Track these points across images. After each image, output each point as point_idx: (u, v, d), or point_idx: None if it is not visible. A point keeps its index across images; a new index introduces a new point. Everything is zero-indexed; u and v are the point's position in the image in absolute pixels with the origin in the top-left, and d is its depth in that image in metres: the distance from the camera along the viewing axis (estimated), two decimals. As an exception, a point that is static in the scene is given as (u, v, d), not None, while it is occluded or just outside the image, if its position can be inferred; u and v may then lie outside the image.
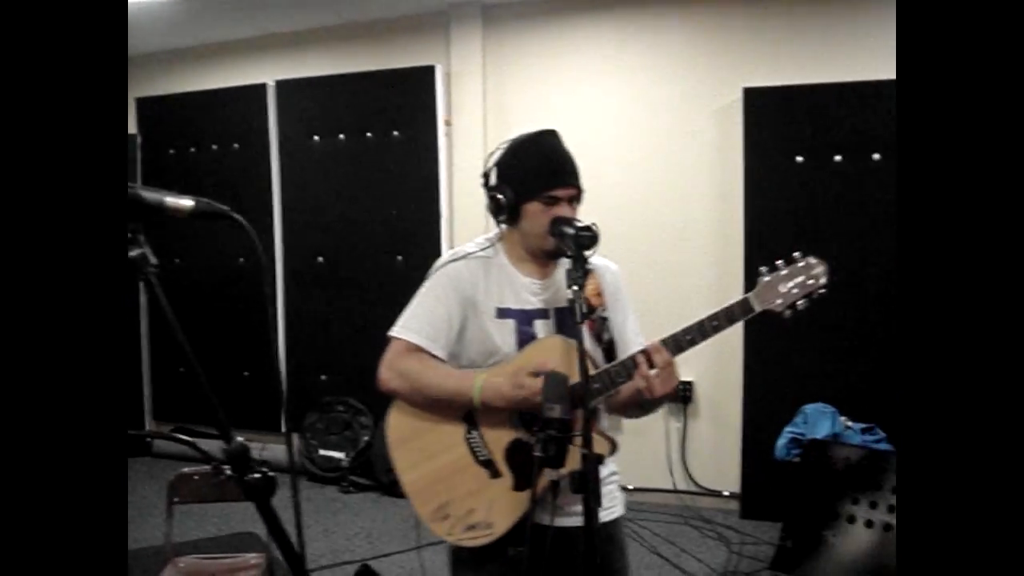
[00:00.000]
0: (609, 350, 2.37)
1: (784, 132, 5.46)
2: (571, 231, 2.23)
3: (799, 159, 5.42)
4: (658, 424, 5.92)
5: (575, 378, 2.11)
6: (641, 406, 2.36)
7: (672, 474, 5.90)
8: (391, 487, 5.91)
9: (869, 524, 2.61)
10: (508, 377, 2.25)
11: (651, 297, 5.53)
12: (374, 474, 6.28)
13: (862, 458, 2.71)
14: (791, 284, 2.20)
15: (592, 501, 2.04)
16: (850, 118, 5.35)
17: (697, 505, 5.80)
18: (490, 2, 6.19)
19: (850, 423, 4.70)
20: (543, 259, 2.39)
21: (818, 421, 4.64)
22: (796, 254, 2.22)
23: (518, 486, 2.27)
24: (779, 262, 2.22)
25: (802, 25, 5.64)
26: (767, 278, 2.22)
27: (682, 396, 5.82)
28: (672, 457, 5.92)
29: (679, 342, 2.21)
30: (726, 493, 5.82)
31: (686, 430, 5.91)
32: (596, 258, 2.48)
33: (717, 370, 5.75)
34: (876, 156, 5.29)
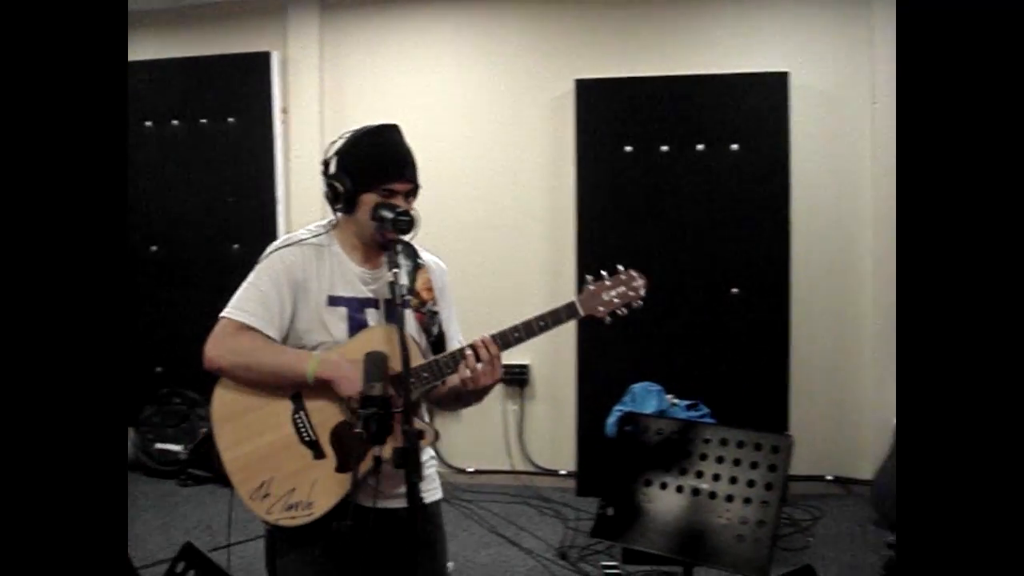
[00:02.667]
0: (438, 344, 2.46)
1: (614, 123, 5.67)
2: (390, 215, 2.30)
3: (628, 148, 5.64)
4: (496, 407, 6.06)
5: (399, 365, 2.19)
6: (460, 398, 2.45)
7: (510, 456, 6.05)
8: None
9: (680, 489, 2.78)
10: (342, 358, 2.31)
11: (486, 282, 5.66)
12: (213, 466, 6.18)
13: (674, 430, 2.88)
14: (613, 294, 2.40)
15: (414, 476, 2.12)
16: (676, 110, 5.61)
17: (535, 485, 5.96)
18: (327, -11, 6.19)
19: (676, 400, 4.93)
20: (376, 249, 2.44)
21: (645, 399, 4.85)
22: (619, 267, 2.41)
23: (341, 467, 2.31)
24: (603, 272, 2.41)
25: (632, 19, 5.88)
26: (592, 286, 2.40)
27: (519, 379, 5.97)
28: (510, 439, 6.06)
29: (507, 338, 2.34)
30: (563, 472, 6.00)
31: (523, 413, 6.06)
32: (427, 255, 2.56)
33: (552, 353, 5.92)
34: (700, 146, 5.56)
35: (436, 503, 2.58)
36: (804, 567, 2.71)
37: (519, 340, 2.34)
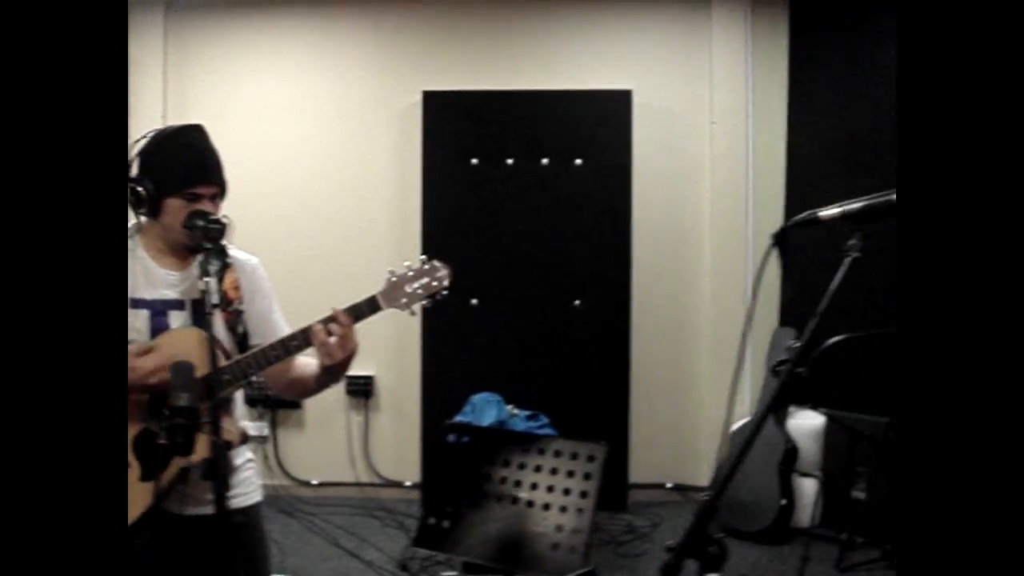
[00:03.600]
0: (243, 342, 2.44)
1: (461, 135, 5.71)
2: (202, 223, 2.29)
3: (474, 161, 5.68)
4: (340, 419, 6.01)
5: (207, 367, 2.17)
6: (318, 380, 2.46)
7: (355, 467, 6.00)
8: None
9: (500, 499, 2.83)
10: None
11: (330, 293, 5.56)
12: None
13: (496, 441, 2.94)
14: (416, 285, 2.40)
15: (221, 487, 2.10)
16: (522, 124, 5.68)
17: (380, 497, 5.93)
18: (171, -9, 6.05)
19: (516, 410, 4.98)
20: (183, 252, 2.42)
21: (484, 409, 4.88)
22: (423, 257, 2.43)
23: (145, 476, 2.28)
24: (407, 263, 2.42)
25: (481, 33, 5.95)
26: (394, 279, 2.41)
27: (363, 390, 5.94)
28: (354, 451, 6.02)
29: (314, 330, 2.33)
30: (408, 483, 5.99)
31: (368, 424, 6.03)
32: (237, 252, 2.54)
33: (397, 364, 5.92)
34: (544, 160, 5.64)
35: (254, 506, 2.56)
36: (587, 571, 2.79)
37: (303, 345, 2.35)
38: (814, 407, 5.11)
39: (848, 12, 5.54)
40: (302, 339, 2.33)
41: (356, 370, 5.91)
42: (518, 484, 2.79)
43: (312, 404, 6.00)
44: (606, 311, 5.68)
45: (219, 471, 2.11)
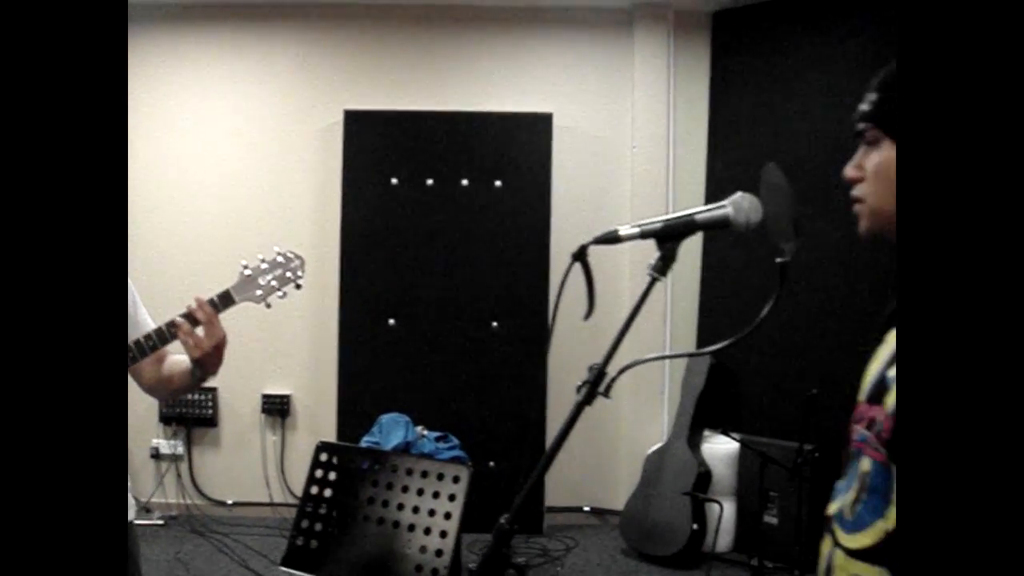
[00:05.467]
0: None
1: (381, 155, 5.70)
2: None
3: (394, 181, 5.67)
4: (255, 438, 5.97)
5: None
6: (192, 374, 2.40)
7: (269, 487, 5.94)
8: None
9: (367, 519, 2.82)
10: None
11: (250, 313, 5.55)
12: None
13: (366, 459, 2.93)
14: (270, 277, 2.46)
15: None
16: (443, 145, 5.68)
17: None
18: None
19: (425, 431, 4.96)
20: None
21: (392, 430, 4.85)
22: (276, 248, 2.50)
23: None
24: (260, 256, 2.47)
25: (404, 53, 5.97)
26: (247, 272, 2.44)
27: (279, 409, 5.90)
28: (269, 471, 5.96)
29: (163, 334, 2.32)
30: (324, 504, 5.94)
31: (284, 443, 5.98)
32: None
33: (313, 383, 5.90)
34: (464, 182, 5.65)
35: None
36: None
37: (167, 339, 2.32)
38: (726, 432, 5.13)
39: (769, 39, 5.62)
40: (170, 332, 2.31)
41: (272, 388, 5.89)
42: (386, 504, 2.77)
43: (228, 422, 5.95)
44: (524, 333, 5.67)
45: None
